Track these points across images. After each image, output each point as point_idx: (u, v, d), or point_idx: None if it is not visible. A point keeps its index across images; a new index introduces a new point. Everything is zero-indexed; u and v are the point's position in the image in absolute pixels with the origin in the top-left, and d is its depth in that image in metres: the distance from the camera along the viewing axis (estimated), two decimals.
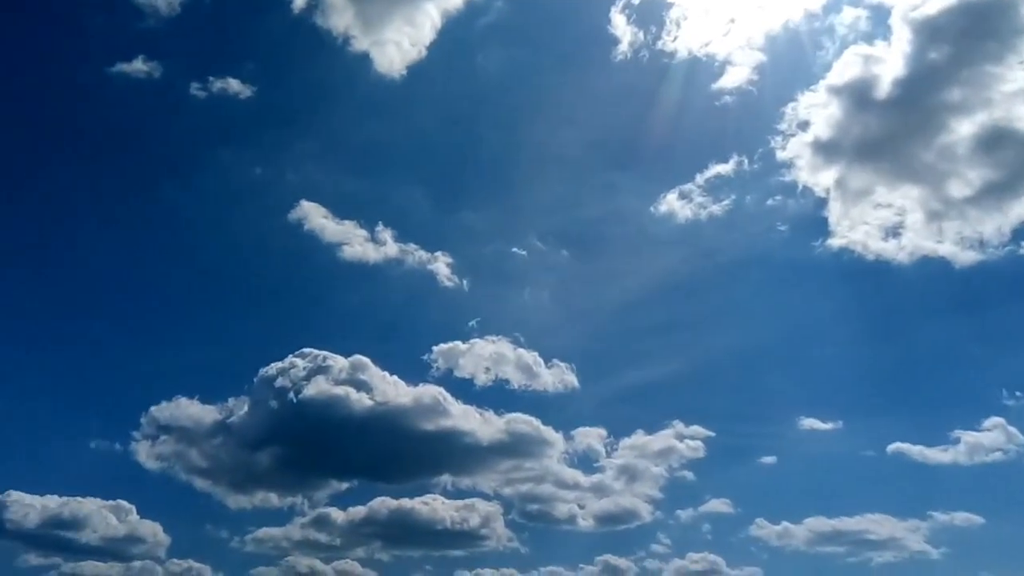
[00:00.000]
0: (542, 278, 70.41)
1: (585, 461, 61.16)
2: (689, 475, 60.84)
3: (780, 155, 62.48)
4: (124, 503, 54.00)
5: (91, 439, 57.01)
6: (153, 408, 56.06)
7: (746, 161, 64.85)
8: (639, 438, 61.58)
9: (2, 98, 63.93)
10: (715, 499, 60.16)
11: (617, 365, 68.43)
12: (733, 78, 63.70)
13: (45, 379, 59.72)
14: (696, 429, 60.72)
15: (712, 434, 60.61)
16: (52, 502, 52.35)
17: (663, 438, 61.08)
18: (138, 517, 53.97)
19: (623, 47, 64.71)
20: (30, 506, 51.48)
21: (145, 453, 55.39)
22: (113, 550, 52.88)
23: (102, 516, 53.13)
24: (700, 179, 65.05)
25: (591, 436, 61.20)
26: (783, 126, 62.03)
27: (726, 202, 65.01)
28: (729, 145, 68.98)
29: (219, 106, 64.78)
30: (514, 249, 69.18)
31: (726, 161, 64.64)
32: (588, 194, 73.57)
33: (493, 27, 67.73)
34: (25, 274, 63.13)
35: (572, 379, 61.92)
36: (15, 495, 51.45)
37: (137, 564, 53.22)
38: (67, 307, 63.23)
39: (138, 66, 61.60)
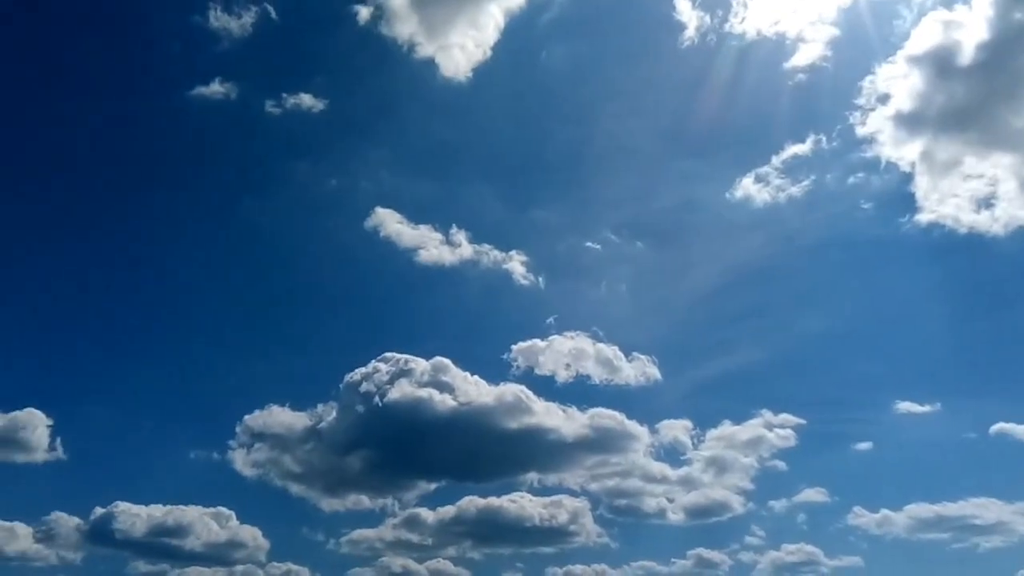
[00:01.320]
0: (618, 271, 70.13)
1: (672, 454, 60.68)
2: (781, 465, 59.89)
3: (860, 131, 60.88)
4: (224, 510, 55.77)
5: (191, 449, 59.29)
6: (247, 417, 57.69)
7: (824, 139, 63.40)
8: (726, 429, 60.86)
9: (93, 126, 67.04)
10: (809, 488, 59.14)
11: (700, 355, 67.61)
12: (806, 55, 62.21)
13: (146, 394, 62.29)
14: (785, 417, 59.75)
15: (803, 422, 59.55)
16: (157, 511, 54.51)
17: (751, 428, 60.35)
18: (238, 523, 55.70)
19: (689, 32, 63.76)
20: (136, 515, 53.67)
21: (241, 461, 57.17)
22: (216, 556, 54.75)
23: (204, 523, 55.03)
24: (776, 161, 63.84)
25: (677, 428, 60.74)
26: (861, 101, 60.31)
27: (805, 183, 63.71)
28: (805, 124, 67.51)
29: (293, 121, 66.49)
30: (588, 243, 69.06)
31: (803, 141, 63.40)
32: (661, 184, 72.80)
33: (556, 22, 67.61)
34: (122, 294, 66.04)
35: (654, 371, 61.46)
36: (122, 505, 53.65)
37: (239, 568, 55.06)
38: (163, 324, 65.94)
39: (215, 88, 63.84)
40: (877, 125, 59.44)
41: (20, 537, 51.35)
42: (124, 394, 61.45)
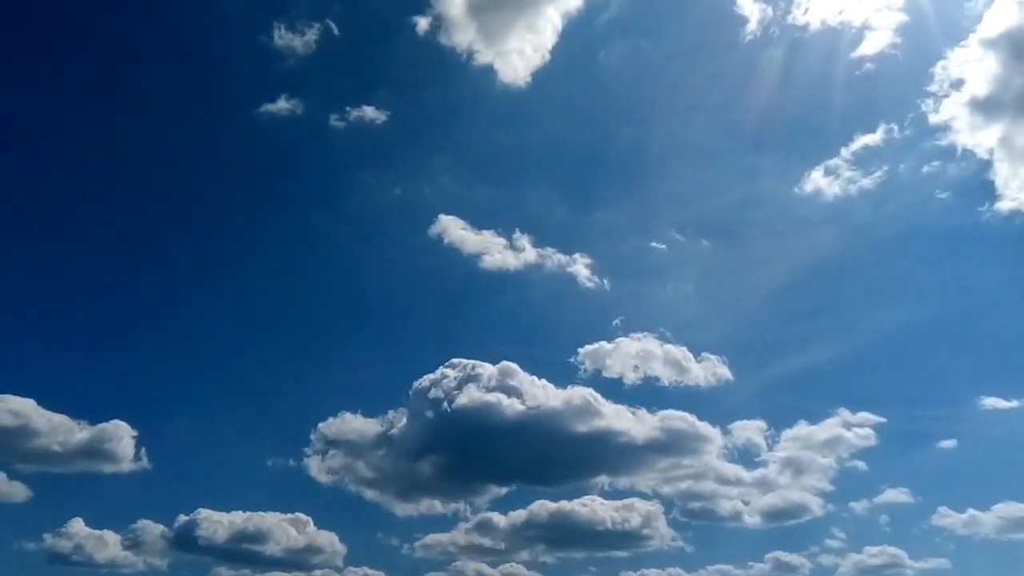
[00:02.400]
0: (684, 271, 69.34)
1: (746, 456, 59.70)
2: (861, 465, 58.54)
3: (933, 119, 59.18)
4: (302, 515, 56.54)
5: (268, 457, 60.41)
6: (321, 425, 58.59)
7: (896, 128, 61.73)
8: (802, 429, 59.68)
9: (169, 146, 69.37)
10: (892, 489, 57.81)
11: (772, 354, 66.24)
12: (873, 44, 60.67)
13: (225, 405, 63.49)
14: (864, 416, 58.34)
15: (883, 420, 58.04)
16: (238, 517, 55.50)
17: (828, 427, 59.08)
18: (315, 528, 56.39)
19: (751, 26, 62.75)
20: (218, 522, 54.83)
21: (316, 467, 58.08)
22: (295, 561, 55.60)
23: (283, 529, 55.83)
24: (846, 152, 62.50)
25: (750, 429, 59.75)
26: (934, 87, 58.58)
27: (877, 174, 62.10)
28: (875, 114, 65.88)
29: (357, 133, 67.50)
30: (653, 244, 68.42)
31: (873, 131, 61.92)
32: (726, 180, 71.45)
33: (614, 21, 67.27)
34: (200, 309, 67.98)
35: (725, 372, 60.49)
36: (204, 512, 54.87)
37: (318, 573, 55.85)
38: (240, 337, 67.63)
39: (282, 105, 65.21)
40: (951, 112, 57.88)
41: (109, 545, 53.22)
42: (204, 405, 63.03)
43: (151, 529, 54.27)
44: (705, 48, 69.86)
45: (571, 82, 70.36)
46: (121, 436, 54.54)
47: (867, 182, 61.97)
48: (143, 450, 54.97)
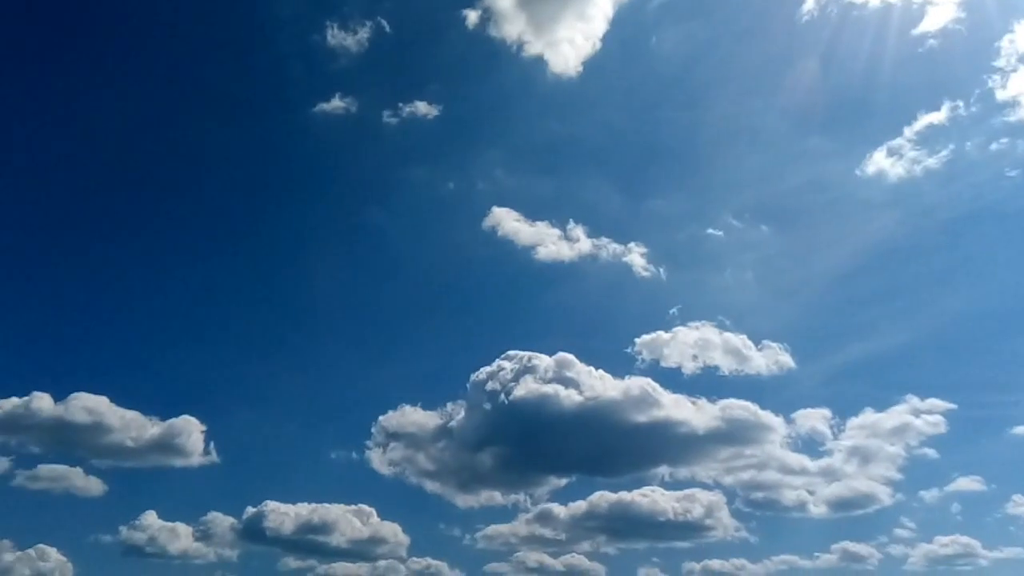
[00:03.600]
0: (743, 257, 68.38)
1: (810, 445, 58.82)
2: (931, 453, 57.39)
3: (1001, 94, 57.77)
4: (365, 507, 57.48)
5: (331, 450, 61.58)
6: (381, 417, 59.44)
7: (961, 106, 60.10)
8: (868, 417, 58.67)
9: (228, 146, 71.00)
10: (963, 477, 56.72)
11: (835, 341, 65.10)
12: (936, 20, 59.38)
13: (289, 400, 65.10)
14: (934, 403, 57.14)
15: (953, 407, 56.75)
16: (304, 509, 56.58)
17: (896, 415, 58.04)
18: (379, 519, 57.27)
19: (808, 5, 61.93)
20: (285, 514, 55.92)
21: (378, 460, 58.98)
22: (360, 551, 56.47)
23: (347, 520, 56.83)
24: (910, 132, 61.05)
25: (814, 418, 58.89)
26: (1000, 62, 57.13)
27: (943, 153, 60.68)
28: (939, 91, 63.74)
29: (409, 129, 68.17)
30: (709, 231, 67.69)
31: (938, 109, 60.55)
32: (785, 164, 70.21)
33: (666, 6, 66.87)
34: (262, 305, 69.29)
35: (787, 359, 59.72)
36: (271, 504, 55.97)
37: (382, 564, 56.50)
38: (301, 333, 68.83)
39: (336, 103, 66.34)
40: (1020, 87, 56.47)
41: (181, 537, 54.63)
42: (269, 400, 64.69)
43: (221, 521, 55.75)
44: (760, 29, 68.59)
45: (623, 69, 69.99)
46: (191, 431, 56.06)
47: (932, 162, 60.54)
48: (212, 444, 56.48)
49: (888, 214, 65.10)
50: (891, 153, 61.31)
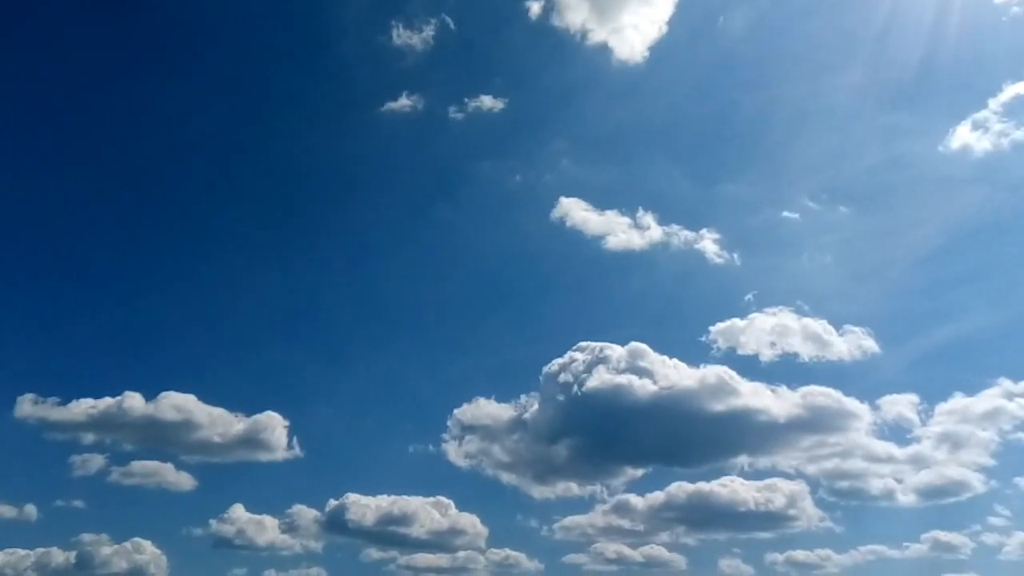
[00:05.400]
0: (820, 240, 66.75)
1: (897, 431, 57.33)
2: None
3: None
4: (443, 499, 58.23)
5: (409, 443, 62.47)
6: (456, 411, 60.02)
7: None
8: (958, 401, 56.85)
9: (301, 149, 72.87)
10: None
11: (921, 324, 63.23)
12: None
13: (367, 395, 66.84)
14: None
15: None
16: (383, 501, 57.65)
17: (988, 399, 56.04)
18: (457, 511, 57.96)
19: None
20: (366, 506, 57.07)
21: (454, 452, 59.48)
22: (440, 543, 57.39)
23: (426, 512, 57.72)
24: (995, 104, 58.80)
25: (900, 404, 57.44)
26: None
27: None
28: None
29: (476, 123, 68.73)
30: (785, 214, 66.32)
31: None
32: (863, 142, 68.05)
33: None
34: (340, 304, 70.96)
35: (870, 344, 58.29)
36: (352, 496, 57.26)
37: (462, 555, 57.29)
38: (377, 329, 70.21)
39: (403, 102, 67.39)
40: None
41: (268, 529, 56.27)
42: (349, 395, 66.25)
43: (305, 513, 57.24)
44: (832, 2, 66.61)
45: (690, 53, 69.00)
46: (274, 427, 57.62)
47: (1020, 134, 58.02)
48: (295, 439, 57.90)
49: (974, 190, 62.92)
50: (976, 126, 59.16)
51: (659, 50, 63.78)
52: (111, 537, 53.46)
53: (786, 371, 58.32)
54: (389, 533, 57.06)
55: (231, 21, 71.58)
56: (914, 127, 65.84)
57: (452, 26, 66.46)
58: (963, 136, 59.65)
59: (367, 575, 57.79)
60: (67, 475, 55.51)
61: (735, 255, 63.26)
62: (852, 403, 56.18)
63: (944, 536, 54.30)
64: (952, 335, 61.72)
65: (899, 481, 56.10)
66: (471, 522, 57.42)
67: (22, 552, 51.56)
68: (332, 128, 73.64)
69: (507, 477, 59.33)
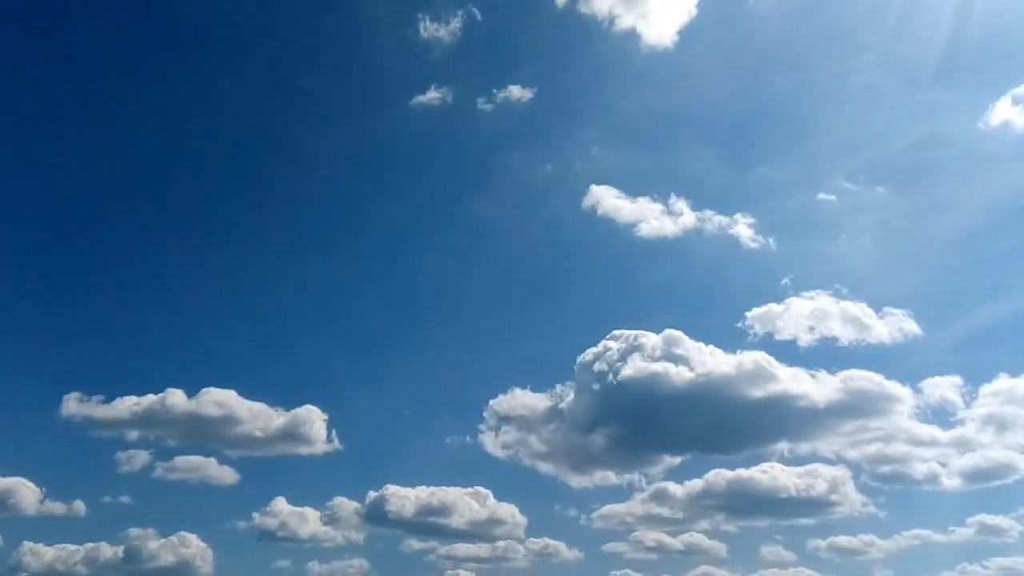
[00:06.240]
0: (858, 221, 65.86)
1: (940, 414, 56.71)
2: None
3: None
4: (481, 489, 58.52)
5: (446, 434, 62.86)
6: (492, 402, 60.19)
7: None
8: (1003, 382, 56.07)
9: (333, 142, 73.45)
10: None
11: (964, 304, 62.20)
12: None
13: (404, 388, 67.14)
14: None
15: None
16: (422, 492, 58.05)
17: None
18: (495, 501, 58.20)
19: None
20: (405, 497, 57.52)
21: (491, 443, 59.82)
22: (479, 532, 57.80)
23: (465, 502, 58.02)
24: None
25: (943, 386, 56.78)
26: None
27: None
28: None
29: (505, 114, 68.48)
30: (820, 195, 65.42)
31: None
32: (900, 120, 66.82)
33: None
34: (375, 298, 71.25)
35: (912, 326, 57.53)
36: (392, 488, 57.66)
37: (501, 544, 57.69)
38: (412, 323, 70.41)
39: (432, 95, 67.31)
40: None
41: (310, 521, 56.98)
42: (386, 389, 66.63)
43: (345, 505, 57.81)
44: None
45: (720, 34, 68.16)
46: (314, 420, 58.22)
47: None
48: (334, 432, 58.50)
49: (1016, 167, 61.81)
50: (1016, 101, 58.02)
51: (688, 33, 63.15)
52: (158, 531, 54.68)
53: (825, 355, 57.85)
54: (429, 524, 57.73)
55: (262, 22, 72.09)
56: (952, 103, 64.72)
57: (479, 17, 66.38)
58: (1003, 111, 58.69)
59: (408, 565, 58.40)
60: (113, 471, 56.79)
61: (770, 239, 62.75)
62: (894, 386, 55.56)
63: (990, 519, 53.90)
64: (995, 315, 60.71)
65: (943, 465, 55.67)
66: (510, 512, 57.81)
67: (72, 547, 52.96)
68: (363, 123, 74.06)
69: (544, 467, 59.62)
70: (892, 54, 65.43)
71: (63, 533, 54.70)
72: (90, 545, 53.24)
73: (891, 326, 57.43)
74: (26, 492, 53.00)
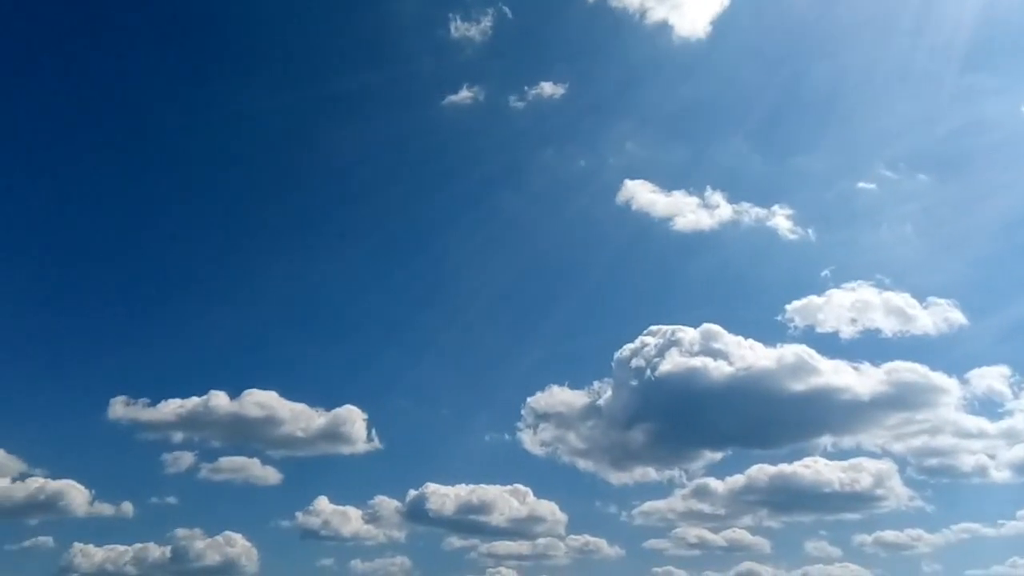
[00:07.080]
0: (899, 210, 64.66)
1: (988, 406, 55.52)
2: None
3: None
4: (521, 487, 58.45)
5: (485, 433, 62.89)
6: (530, 399, 60.08)
7: None
8: None
9: (366, 144, 73.66)
10: None
11: (1010, 292, 60.91)
12: None
13: (443, 386, 67.04)
14: None
15: None
16: (462, 490, 58.14)
17: None
18: (535, 499, 58.08)
19: None
20: (445, 495, 57.62)
21: (530, 440, 59.72)
22: (520, 530, 57.79)
23: (505, 500, 58.04)
24: None
25: (991, 377, 55.59)
26: None
27: None
28: None
29: (537, 111, 68.41)
30: (860, 184, 64.47)
31: None
32: (942, 106, 65.37)
33: None
34: (414, 297, 71.67)
35: (957, 316, 56.45)
36: (432, 486, 57.85)
37: (542, 541, 57.64)
38: (449, 322, 70.06)
39: (464, 94, 67.45)
40: None
41: (352, 519, 57.42)
42: (425, 387, 66.77)
43: (386, 504, 58.14)
44: None
45: (754, 23, 67.35)
46: (354, 420, 58.56)
47: None
48: (373, 431, 58.85)
49: None
50: None
51: (722, 23, 62.54)
52: (204, 531, 55.36)
53: (868, 347, 56.92)
54: (469, 521, 57.80)
55: (293, 23, 72.66)
56: (993, 87, 63.20)
57: (509, 15, 66.31)
58: None
59: (450, 563, 58.48)
60: (160, 473, 57.64)
61: (809, 230, 61.94)
62: (940, 378, 54.61)
63: None
64: None
65: (992, 457, 54.62)
66: (550, 509, 57.67)
67: (121, 548, 53.90)
68: (396, 124, 74.17)
69: (583, 464, 59.37)
70: (930, 38, 63.96)
71: (112, 534, 55.80)
72: (139, 545, 54.25)
73: (936, 316, 56.57)
74: (76, 494, 54.22)
